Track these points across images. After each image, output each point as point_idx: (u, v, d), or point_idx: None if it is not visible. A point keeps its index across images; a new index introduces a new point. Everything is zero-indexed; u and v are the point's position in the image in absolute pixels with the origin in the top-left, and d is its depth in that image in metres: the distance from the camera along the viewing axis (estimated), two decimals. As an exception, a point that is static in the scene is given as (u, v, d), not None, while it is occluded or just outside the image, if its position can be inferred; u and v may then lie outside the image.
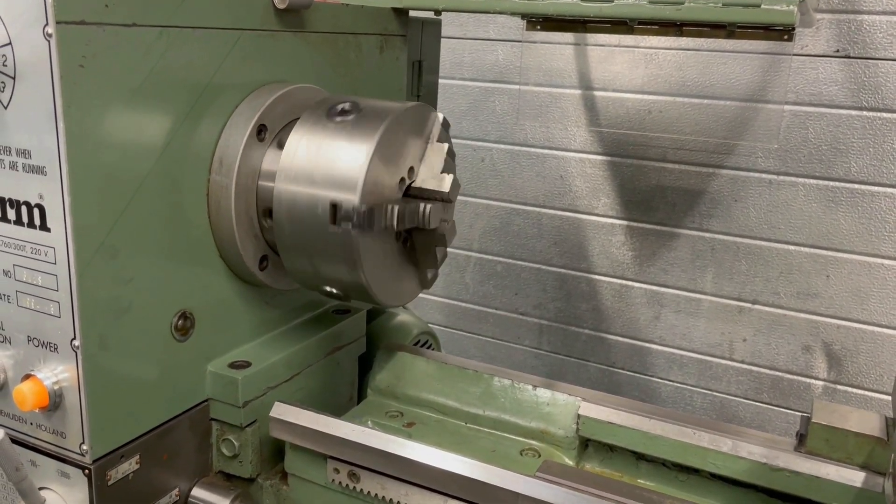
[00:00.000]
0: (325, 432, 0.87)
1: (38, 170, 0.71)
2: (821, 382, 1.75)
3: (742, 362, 1.82)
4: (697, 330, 1.85)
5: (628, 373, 1.95)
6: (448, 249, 0.90)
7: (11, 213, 0.74)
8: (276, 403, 0.91)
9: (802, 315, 1.73)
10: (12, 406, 0.80)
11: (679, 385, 1.89)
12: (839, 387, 1.73)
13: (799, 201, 1.69)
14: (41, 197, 0.72)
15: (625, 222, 1.90)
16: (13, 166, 0.73)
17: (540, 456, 0.96)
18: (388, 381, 1.08)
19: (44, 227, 0.73)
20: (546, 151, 1.97)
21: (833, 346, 1.72)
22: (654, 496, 0.76)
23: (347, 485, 0.88)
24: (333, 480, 0.89)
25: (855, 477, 0.82)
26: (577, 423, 0.94)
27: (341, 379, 1.09)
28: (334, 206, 0.81)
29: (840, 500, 0.82)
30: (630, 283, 1.92)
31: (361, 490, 0.87)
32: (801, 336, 1.74)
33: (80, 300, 0.73)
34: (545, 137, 1.96)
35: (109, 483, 0.80)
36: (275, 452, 0.96)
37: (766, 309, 1.77)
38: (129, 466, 0.83)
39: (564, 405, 0.97)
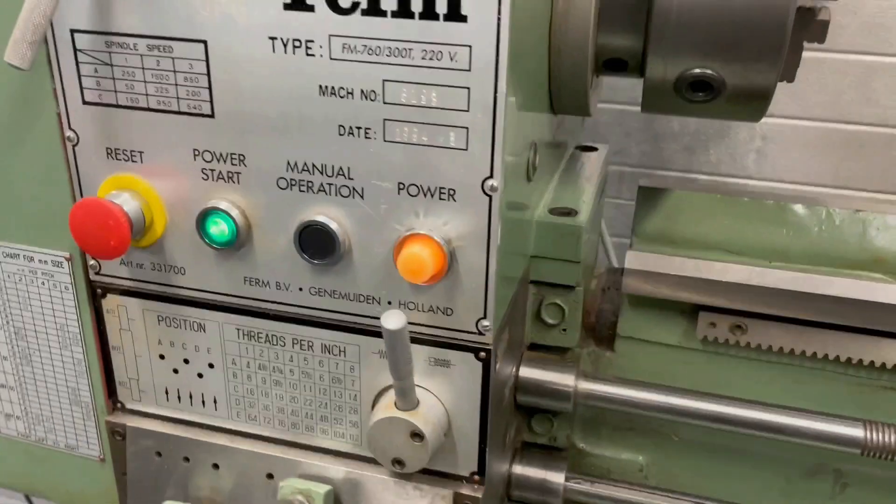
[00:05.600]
0: (707, 279, 0.71)
1: (455, -75, 0.48)
2: None
3: None
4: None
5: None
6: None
7: (390, 0, 0.51)
8: (631, 252, 0.74)
9: None
10: (353, 281, 0.59)
11: None
12: None
13: None
14: (454, -32, 0.49)
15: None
16: (406, -76, 0.49)
17: None
18: (660, 225, 0.92)
19: (454, 15, 0.50)
20: None
21: None
22: None
23: (727, 339, 0.73)
24: (706, 337, 0.74)
25: None
26: (939, 243, 0.83)
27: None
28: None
29: None
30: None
31: (748, 343, 0.73)
32: None
33: (505, 121, 0.52)
34: None
35: (497, 367, 0.62)
36: (581, 316, 0.80)
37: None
38: (505, 344, 0.65)
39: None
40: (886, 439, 0.67)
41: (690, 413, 0.71)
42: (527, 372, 0.74)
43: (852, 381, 0.73)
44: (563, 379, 0.73)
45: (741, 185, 1.74)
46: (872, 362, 0.70)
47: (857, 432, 0.68)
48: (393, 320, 0.52)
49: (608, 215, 1.98)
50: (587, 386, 0.73)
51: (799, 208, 0.88)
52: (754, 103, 0.69)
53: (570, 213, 0.73)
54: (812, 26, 0.69)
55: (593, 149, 0.93)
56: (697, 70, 0.65)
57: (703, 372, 0.76)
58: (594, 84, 0.74)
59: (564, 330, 0.76)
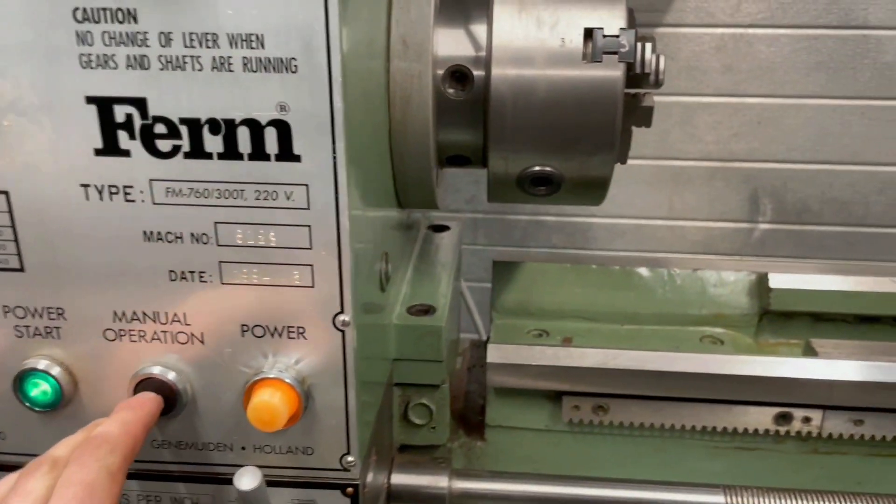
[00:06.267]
0: (567, 366, 0.72)
1: (279, 65, 0.45)
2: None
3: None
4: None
5: (571, 251, 1.93)
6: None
7: (213, 142, 0.47)
8: (492, 346, 0.73)
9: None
10: (200, 431, 0.55)
11: (623, 253, 1.92)
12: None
13: None
14: (283, 108, 0.46)
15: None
16: (225, 65, 0.45)
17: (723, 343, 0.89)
18: (517, 297, 0.92)
19: (287, 155, 0.47)
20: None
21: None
22: None
23: (591, 420, 0.74)
24: (571, 420, 0.74)
25: None
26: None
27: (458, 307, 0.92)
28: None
29: None
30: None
31: (611, 422, 0.74)
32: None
33: (352, 255, 0.50)
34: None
35: (366, 494, 0.59)
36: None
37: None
38: (372, 466, 0.62)
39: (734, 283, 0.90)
40: (745, 502, 0.70)
41: (562, 500, 0.71)
42: (399, 479, 0.71)
43: (708, 445, 0.76)
44: (437, 482, 0.71)
45: (587, 223, 1.81)
46: (725, 428, 0.73)
47: (717, 499, 0.70)
48: (246, 480, 0.48)
49: (466, 261, 2.00)
50: (461, 485, 0.71)
51: (643, 271, 0.92)
52: (595, 191, 0.70)
53: (429, 310, 0.71)
54: (638, 112, 0.71)
55: (445, 228, 0.93)
56: (537, 168, 0.66)
57: (571, 452, 0.77)
58: (440, 178, 0.73)
59: (434, 428, 0.74)
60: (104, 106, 0.46)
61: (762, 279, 0.88)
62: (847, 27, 1.39)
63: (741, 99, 1.50)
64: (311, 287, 0.50)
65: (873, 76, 1.41)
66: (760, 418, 0.72)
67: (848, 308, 0.86)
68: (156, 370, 0.52)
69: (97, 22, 0.44)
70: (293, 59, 0.45)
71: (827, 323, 0.91)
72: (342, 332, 0.51)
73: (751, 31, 1.43)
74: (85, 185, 0.48)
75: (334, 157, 0.47)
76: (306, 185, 0.48)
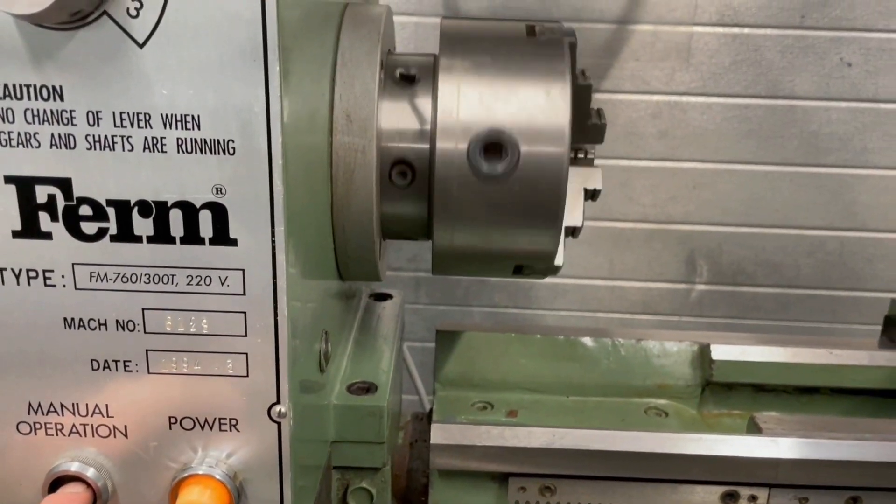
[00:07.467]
0: (513, 447, 0.69)
1: (216, 147, 0.43)
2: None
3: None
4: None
5: (514, 310, 1.93)
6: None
7: (143, 225, 0.44)
8: (436, 426, 0.70)
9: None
10: (121, 530, 0.50)
11: (565, 313, 1.92)
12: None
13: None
14: (219, 191, 0.44)
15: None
16: (158, 145, 0.43)
17: (667, 415, 0.88)
18: (460, 368, 0.90)
19: (222, 239, 0.45)
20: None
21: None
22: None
23: (537, 502, 0.72)
24: (518, 501, 0.72)
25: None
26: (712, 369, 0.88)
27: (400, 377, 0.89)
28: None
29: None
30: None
31: (559, 503, 0.71)
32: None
33: (289, 343, 0.47)
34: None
35: None
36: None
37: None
38: (309, 564, 0.58)
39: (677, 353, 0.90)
40: (694, 584, 0.69)
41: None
42: (337, 570, 0.67)
43: (656, 524, 0.74)
44: (380, 573, 0.68)
45: (529, 282, 1.81)
46: (673, 507, 0.72)
47: (667, 582, 0.68)
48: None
49: (408, 320, 1.97)
50: (402, 573, 0.68)
51: (588, 341, 0.91)
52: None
53: (370, 388, 0.68)
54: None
55: (388, 296, 0.90)
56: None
57: (517, 534, 0.74)
58: (383, 250, 0.71)
59: (374, 511, 0.71)
60: (24, 186, 0.43)
61: (704, 350, 0.88)
62: (775, 97, 1.44)
63: (677, 163, 1.52)
64: (246, 376, 0.47)
65: (800, 144, 1.46)
66: (707, 497, 0.71)
67: (788, 380, 0.87)
68: (73, 466, 0.48)
69: (20, 99, 0.42)
70: (231, 140, 0.43)
71: (768, 393, 0.91)
72: (278, 423, 0.48)
73: (685, 99, 1.47)
74: (1, 269, 0.45)
75: (273, 242, 0.45)
76: (242, 269, 0.45)
